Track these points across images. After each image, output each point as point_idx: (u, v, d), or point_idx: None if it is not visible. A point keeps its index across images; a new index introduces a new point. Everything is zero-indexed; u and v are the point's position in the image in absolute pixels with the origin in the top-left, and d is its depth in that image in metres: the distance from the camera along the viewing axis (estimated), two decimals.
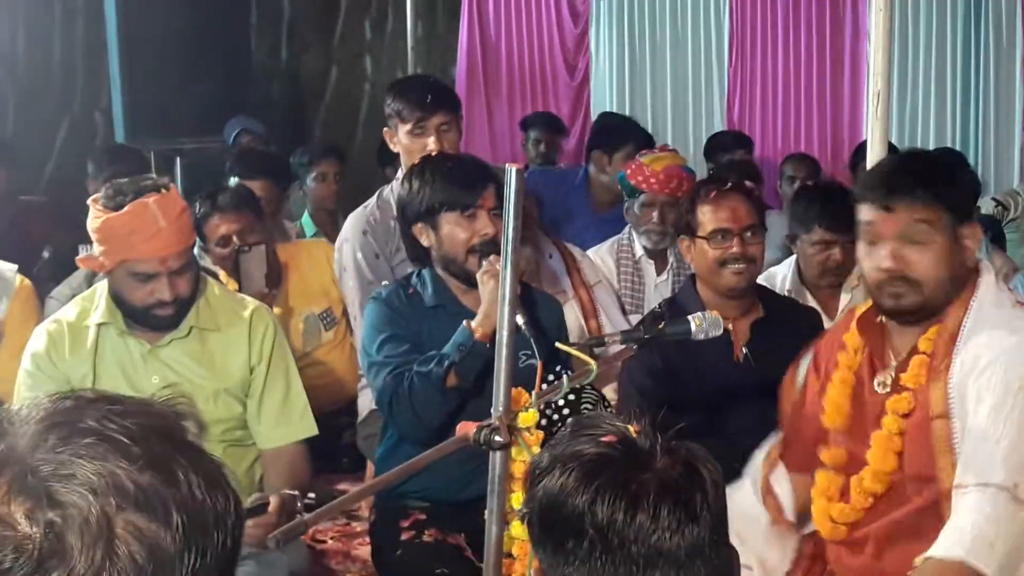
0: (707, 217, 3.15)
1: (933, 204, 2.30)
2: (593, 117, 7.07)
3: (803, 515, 2.58)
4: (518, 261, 2.22)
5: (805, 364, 2.64)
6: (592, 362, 2.35)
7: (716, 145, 5.97)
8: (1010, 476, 2.14)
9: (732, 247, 3.13)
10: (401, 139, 3.58)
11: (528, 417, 2.26)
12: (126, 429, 0.96)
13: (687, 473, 1.38)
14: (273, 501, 2.65)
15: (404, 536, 2.92)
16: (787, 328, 3.18)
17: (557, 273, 3.92)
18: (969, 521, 2.15)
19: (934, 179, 2.33)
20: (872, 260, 2.35)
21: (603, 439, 1.40)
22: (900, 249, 2.31)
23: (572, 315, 3.78)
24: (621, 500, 1.34)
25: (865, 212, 2.36)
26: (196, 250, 3.98)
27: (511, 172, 2.20)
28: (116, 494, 0.92)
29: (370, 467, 3.60)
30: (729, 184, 3.22)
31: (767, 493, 2.59)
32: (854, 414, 2.47)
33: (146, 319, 2.85)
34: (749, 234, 3.14)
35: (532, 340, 2.45)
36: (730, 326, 3.17)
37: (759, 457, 2.67)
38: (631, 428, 1.43)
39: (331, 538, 3.43)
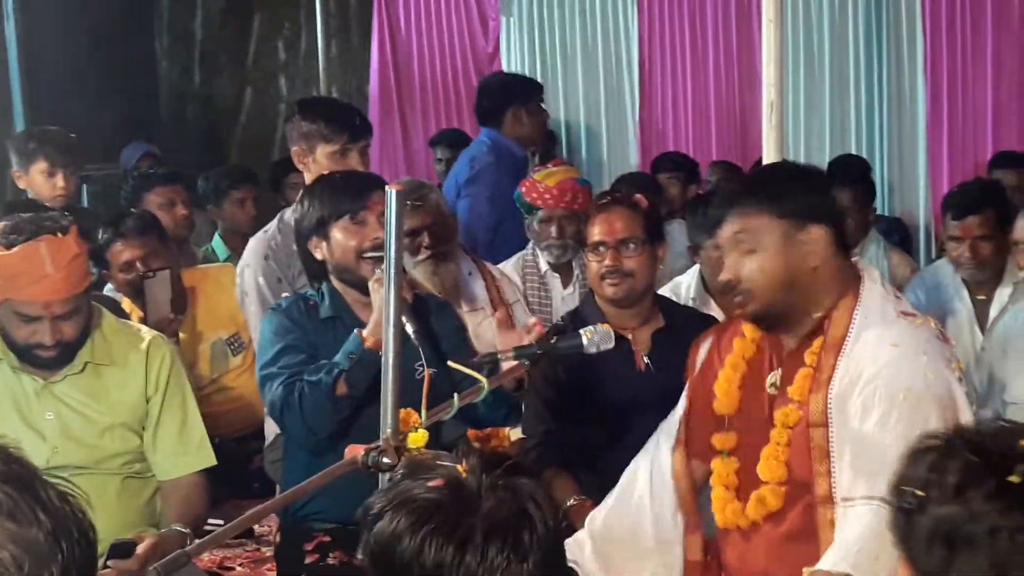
0: (590, 230, 3.22)
1: (753, 212, 2.38)
2: None
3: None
4: (401, 283, 2.24)
5: (705, 347, 2.66)
6: (483, 379, 2.37)
7: None
8: None
9: (605, 259, 3.17)
10: (320, 160, 3.55)
11: (418, 437, 2.25)
12: None
13: (515, 513, 1.41)
14: (145, 544, 2.59)
15: (309, 559, 2.91)
16: (687, 337, 3.17)
17: (475, 290, 3.94)
18: (855, 535, 2.19)
19: (753, 189, 2.43)
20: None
21: (431, 483, 1.43)
22: (734, 260, 2.40)
23: (491, 332, 3.79)
24: (449, 545, 1.38)
25: None
26: (97, 275, 3.97)
27: (391, 194, 2.21)
28: None
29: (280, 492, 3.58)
30: (609, 198, 3.26)
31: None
32: (744, 403, 2.50)
33: (28, 357, 2.84)
34: (628, 247, 3.18)
35: (420, 349, 2.46)
36: (630, 336, 3.21)
37: (663, 448, 2.66)
38: (460, 468, 1.46)
39: (239, 565, 3.41)
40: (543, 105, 5.06)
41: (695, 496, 2.55)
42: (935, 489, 1.50)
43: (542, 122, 5.06)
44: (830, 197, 2.50)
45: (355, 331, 2.78)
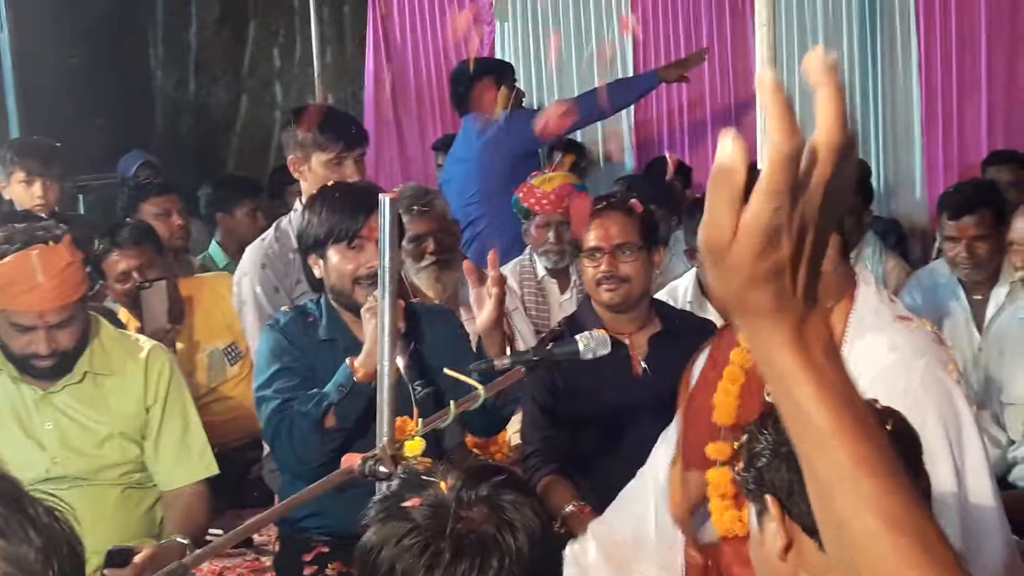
0: (586, 236, 3.22)
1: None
2: None
3: (697, 512, 2.59)
4: (396, 292, 2.23)
5: (702, 359, 2.67)
6: (480, 387, 2.36)
7: None
8: None
9: (601, 265, 3.17)
10: (316, 169, 3.51)
11: (414, 446, 2.25)
12: None
13: (486, 536, 1.46)
14: (143, 553, 2.58)
15: (307, 571, 2.90)
16: (684, 341, 3.19)
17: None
18: None
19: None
20: None
21: (406, 504, 1.50)
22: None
23: None
24: (418, 564, 1.45)
25: None
26: (98, 286, 3.98)
27: (384, 202, 2.21)
28: None
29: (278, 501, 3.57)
30: (605, 203, 3.26)
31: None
32: (742, 413, 2.50)
33: (25, 367, 2.85)
34: (623, 252, 3.18)
35: (410, 388, 2.44)
36: (627, 340, 3.21)
37: (661, 459, 2.68)
38: (442, 485, 1.51)
39: (238, 575, 3.40)
40: (516, 84, 5.26)
41: (688, 511, 2.56)
42: None
43: (511, 98, 5.15)
44: None
45: (346, 361, 2.71)
